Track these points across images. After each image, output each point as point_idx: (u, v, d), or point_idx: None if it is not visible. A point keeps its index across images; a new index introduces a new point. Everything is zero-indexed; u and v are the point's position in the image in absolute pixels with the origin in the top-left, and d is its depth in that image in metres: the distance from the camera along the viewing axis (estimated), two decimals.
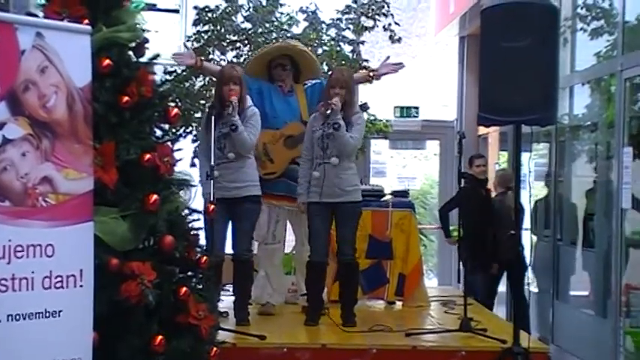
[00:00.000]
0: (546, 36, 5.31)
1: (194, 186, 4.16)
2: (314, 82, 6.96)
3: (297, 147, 6.55)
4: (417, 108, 12.63)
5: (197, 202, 4.67)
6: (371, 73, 6.90)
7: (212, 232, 5.63)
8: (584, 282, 8.99)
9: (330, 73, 6.59)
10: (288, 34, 9.46)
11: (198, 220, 4.12)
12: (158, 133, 3.97)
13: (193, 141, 8.71)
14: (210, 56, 9.32)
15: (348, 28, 9.71)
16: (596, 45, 8.65)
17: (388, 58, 7.02)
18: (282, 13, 9.63)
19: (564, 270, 9.20)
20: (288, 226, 7.10)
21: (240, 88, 6.10)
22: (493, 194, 8.84)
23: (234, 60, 9.22)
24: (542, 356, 5.56)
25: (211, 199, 5.41)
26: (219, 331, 4.31)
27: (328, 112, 6.07)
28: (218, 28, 9.34)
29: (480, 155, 9.24)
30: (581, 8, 9.12)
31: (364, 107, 8.24)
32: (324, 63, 9.03)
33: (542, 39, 5.26)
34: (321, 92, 6.46)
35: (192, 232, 3.99)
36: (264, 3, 9.57)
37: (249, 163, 6.23)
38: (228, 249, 6.33)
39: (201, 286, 3.97)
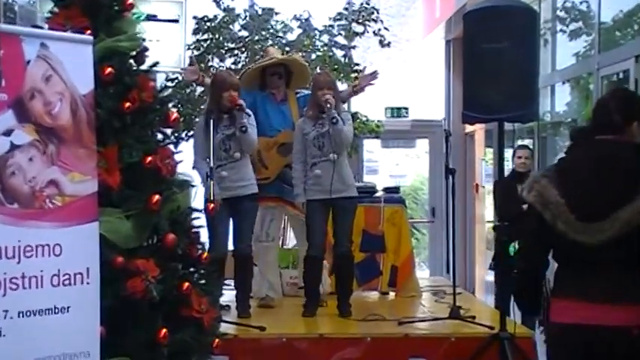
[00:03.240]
0: (526, 37, 5.31)
1: (194, 186, 4.17)
2: (306, 92, 6.93)
3: (291, 154, 6.53)
4: (406, 108, 12.64)
5: (199, 202, 4.71)
6: (354, 88, 6.88)
7: (214, 230, 5.64)
8: None
9: (315, 76, 6.56)
10: (283, 41, 9.48)
11: (199, 218, 4.14)
12: (159, 136, 3.99)
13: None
14: (210, 63, 9.33)
15: (340, 34, 9.74)
16: (575, 45, 8.67)
17: (365, 69, 7.04)
18: (277, 21, 9.65)
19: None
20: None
21: (237, 95, 6.13)
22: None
23: (232, 66, 9.24)
24: (527, 340, 5.56)
25: (212, 198, 5.41)
26: (221, 324, 4.32)
27: (328, 106, 6.07)
28: (216, 36, 9.37)
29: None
30: (561, 10, 9.13)
31: (354, 117, 8.23)
32: (318, 67, 9.04)
33: (522, 40, 5.26)
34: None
35: (193, 230, 4.00)
36: (259, 12, 9.59)
37: (249, 162, 6.26)
38: (231, 246, 6.34)
39: (203, 281, 3.98)
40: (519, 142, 8.34)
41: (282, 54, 7.64)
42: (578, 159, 3.60)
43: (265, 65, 6.87)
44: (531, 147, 9.83)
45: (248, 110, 6.18)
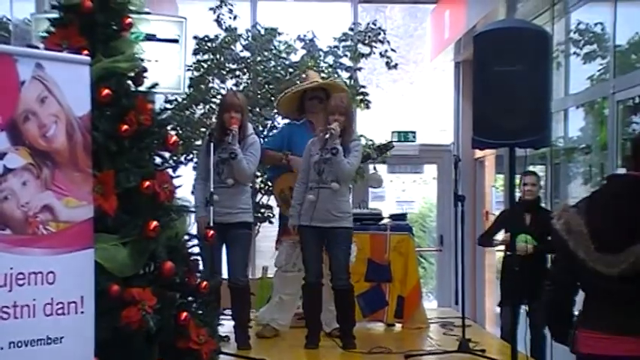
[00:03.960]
0: (538, 60, 5.32)
1: (193, 212, 4.17)
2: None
3: None
4: (414, 132, 12.64)
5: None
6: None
7: (211, 257, 5.63)
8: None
9: (330, 99, 6.52)
10: (287, 62, 9.51)
11: (197, 245, 4.13)
12: (158, 160, 3.99)
13: (194, 168, 8.72)
14: (210, 85, 9.35)
15: (346, 55, 9.75)
16: (589, 69, 8.68)
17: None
18: (280, 42, 9.66)
19: None
20: None
21: (241, 116, 6.12)
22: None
23: (234, 88, 9.25)
24: None
25: (211, 224, 5.41)
26: (220, 356, 4.30)
27: (327, 136, 6.08)
28: (217, 57, 9.38)
29: (530, 172, 8.02)
30: (574, 33, 9.15)
31: (389, 146, 8.17)
32: None
33: (534, 63, 5.27)
34: None
35: (191, 258, 4.00)
36: (262, 32, 9.62)
37: (245, 191, 6.25)
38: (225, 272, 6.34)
39: (201, 311, 3.97)
40: (530, 168, 8.31)
41: (322, 78, 7.64)
42: (605, 192, 3.89)
43: (306, 89, 6.86)
44: (542, 173, 9.83)
45: (254, 136, 6.18)
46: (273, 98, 8.74)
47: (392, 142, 8.22)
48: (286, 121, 7.77)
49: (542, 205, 8.14)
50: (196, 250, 4.08)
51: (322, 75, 9.44)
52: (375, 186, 6.81)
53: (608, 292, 3.62)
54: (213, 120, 7.38)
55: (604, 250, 3.59)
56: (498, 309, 8.43)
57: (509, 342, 6.86)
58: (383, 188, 13.13)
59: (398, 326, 7.47)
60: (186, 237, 4.01)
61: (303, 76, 7.47)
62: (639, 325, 3.52)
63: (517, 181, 7.71)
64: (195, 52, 9.40)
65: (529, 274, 6.27)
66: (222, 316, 6.37)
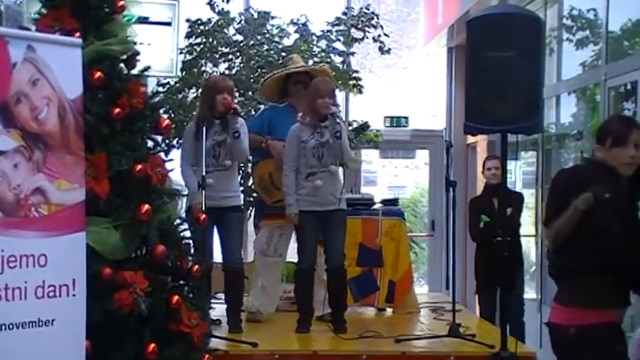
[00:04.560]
0: (531, 46, 5.33)
1: (185, 196, 4.17)
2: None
3: None
4: (406, 118, 12.65)
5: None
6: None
7: (202, 241, 5.63)
8: None
9: (315, 82, 6.48)
10: (279, 46, 9.49)
11: (189, 229, 4.13)
12: (150, 144, 3.98)
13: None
14: (203, 68, 9.33)
15: (339, 40, 9.74)
16: (581, 55, 8.69)
17: None
18: (273, 26, 9.65)
19: None
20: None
21: (231, 99, 6.13)
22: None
23: (226, 72, 9.24)
24: None
25: (203, 208, 5.41)
26: (212, 339, 4.31)
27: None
28: (210, 40, 9.36)
29: (493, 156, 8.11)
30: (567, 19, 9.15)
31: (365, 126, 8.15)
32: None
33: (527, 49, 5.27)
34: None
35: (183, 242, 4.00)
36: (255, 16, 9.60)
37: (236, 173, 6.27)
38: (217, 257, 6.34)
39: (192, 295, 3.97)
40: (522, 154, 8.35)
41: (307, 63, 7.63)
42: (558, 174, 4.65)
43: (291, 73, 6.85)
44: (534, 159, 9.85)
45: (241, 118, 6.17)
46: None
47: (367, 122, 8.20)
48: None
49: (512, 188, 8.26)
50: (188, 234, 4.08)
51: (315, 59, 9.45)
52: (353, 166, 6.78)
53: (550, 266, 4.41)
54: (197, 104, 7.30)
55: (546, 226, 4.27)
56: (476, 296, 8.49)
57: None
58: (375, 173, 13.18)
59: (389, 311, 7.48)
60: (178, 221, 4.01)
61: (291, 62, 7.46)
62: (570, 297, 4.17)
63: (512, 166, 7.74)
64: (188, 36, 9.38)
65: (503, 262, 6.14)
66: (213, 300, 6.40)
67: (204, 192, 5.64)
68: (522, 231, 8.25)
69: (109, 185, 3.56)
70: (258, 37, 9.43)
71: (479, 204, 8.14)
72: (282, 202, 6.48)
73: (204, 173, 5.67)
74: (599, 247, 4.04)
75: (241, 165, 8.02)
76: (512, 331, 6.34)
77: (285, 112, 6.75)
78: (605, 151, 4.19)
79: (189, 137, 6.11)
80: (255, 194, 8.88)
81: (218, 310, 6.38)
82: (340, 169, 6.30)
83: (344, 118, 6.77)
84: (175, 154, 4.27)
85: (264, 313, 6.79)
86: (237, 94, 8.44)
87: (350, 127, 8.48)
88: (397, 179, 13.45)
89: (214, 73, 9.10)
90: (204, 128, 5.84)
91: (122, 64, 3.89)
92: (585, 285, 4.10)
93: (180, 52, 9.30)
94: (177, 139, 8.72)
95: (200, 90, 8.95)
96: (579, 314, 4.12)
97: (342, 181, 6.37)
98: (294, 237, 6.61)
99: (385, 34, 9.91)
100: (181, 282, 3.94)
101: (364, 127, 8.15)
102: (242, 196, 6.29)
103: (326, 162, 6.17)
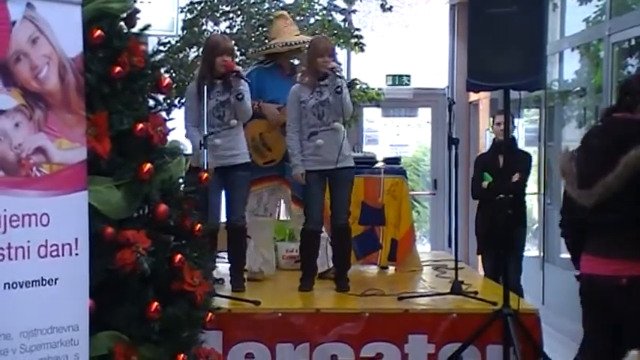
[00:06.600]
0: (533, 2, 5.30)
1: (188, 155, 4.16)
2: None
3: None
4: (408, 76, 12.61)
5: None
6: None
7: (206, 201, 5.63)
8: None
9: (313, 41, 6.47)
10: (280, 4, 9.43)
11: (192, 188, 4.13)
12: (151, 103, 3.97)
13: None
14: (204, 27, 9.28)
15: None
16: (585, 10, 8.64)
17: None
18: None
19: (553, 233, 9.23)
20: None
21: (231, 60, 6.12)
22: None
23: (227, 30, 9.19)
24: (532, 317, 5.58)
25: (205, 167, 5.40)
26: (215, 298, 4.33)
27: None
28: None
29: (500, 111, 7.22)
30: None
31: (352, 85, 8.14)
32: (316, 32, 9.00)
33: (530, 5, 5.25)
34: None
35: (186, 201, 3.99)
36: None
37: (242, 131, 6.26)
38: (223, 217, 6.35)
39: (195, 254, 3.98)
40: (525, 111, 8.32)
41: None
42: (590, 135, 4.55)
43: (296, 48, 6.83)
44: (536, 116, 9.82)
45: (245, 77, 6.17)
46: (267, 41, 8.69)
47: (355, 79, 8.17)
48: None
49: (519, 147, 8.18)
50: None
51: (316, 17, 9.40)
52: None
53: (592, 223, 4.33)
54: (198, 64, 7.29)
55: (584, 186, 4.25)
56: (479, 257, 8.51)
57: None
58: (377, 132, 13.16)
59: (391, 269, 7.51)
60: (180, 180, 4.01)
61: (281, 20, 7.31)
62: (619, 250, 4.23)
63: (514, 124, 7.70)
64: None
65: (504, 222, 6.11)
66: (217, 259, 6.42)
67: (205, 151, 5.63)
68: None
69: (111, 144, 3.55)
70: None
71: (484, 161, 8.13)
72: (274, 162, 6.52)
73: (205, 132, 5.66)
74: None
75: None
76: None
77: (274, 73, 6.77)
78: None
79: (191, 97, 6.10)
80: None
81: (221, 269, 6.42)
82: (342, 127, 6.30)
83: (345, 77, 6.73)
84: (176, 113, 4.25)
85: (265, 273, 6.83)
86: (237, 53, 8.42)
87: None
88: (399, 138, 13.44)
89: (215, 32, 9.05)
90: (204, 88, 5.83)
91: (122, 23, 3.86)
92: (634, 238, 4.22)
93: (181, 11, 9.25)
94: (178, 98, 8.72)
95: (201, 49, 8.96)
96: (631, 265, 4.22)
97: (346, 138, 6.36)
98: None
99: None
100: (184, 241, 3.94)
101: (351, 85, 8.14)
102: (247, 153, 6.26)
103: (327, 120, 6.16)
